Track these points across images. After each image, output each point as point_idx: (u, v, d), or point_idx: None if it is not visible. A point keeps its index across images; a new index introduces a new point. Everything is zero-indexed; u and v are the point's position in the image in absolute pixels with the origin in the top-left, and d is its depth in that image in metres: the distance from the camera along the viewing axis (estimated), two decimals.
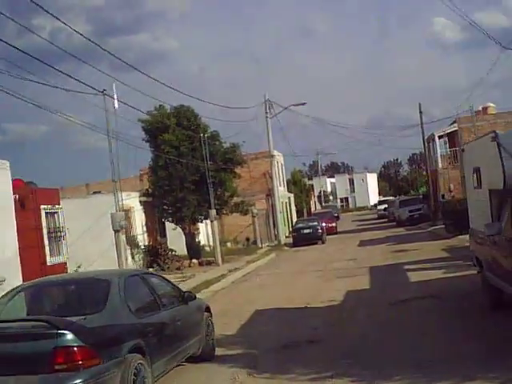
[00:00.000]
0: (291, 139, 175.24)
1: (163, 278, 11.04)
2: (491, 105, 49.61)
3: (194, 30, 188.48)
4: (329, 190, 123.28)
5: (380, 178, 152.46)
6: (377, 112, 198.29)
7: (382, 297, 16.09)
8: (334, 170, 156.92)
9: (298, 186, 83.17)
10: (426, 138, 48.56)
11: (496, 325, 11.03)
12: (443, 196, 45.36)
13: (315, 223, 43.69)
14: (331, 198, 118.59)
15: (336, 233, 52.81)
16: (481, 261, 12.50)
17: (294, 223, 49.24)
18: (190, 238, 34.39)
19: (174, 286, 10.91)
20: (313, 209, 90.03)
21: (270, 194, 49.36)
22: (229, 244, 44.41)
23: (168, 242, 35.09)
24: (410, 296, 15.48)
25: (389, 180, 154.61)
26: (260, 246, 42.65)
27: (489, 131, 11.31)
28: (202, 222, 35.32)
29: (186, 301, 10.46)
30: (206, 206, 32.64)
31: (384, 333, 11.91)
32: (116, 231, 20.18)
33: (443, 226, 35.79)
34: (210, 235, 35.68)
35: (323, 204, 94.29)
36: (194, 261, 32.77)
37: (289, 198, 63.55)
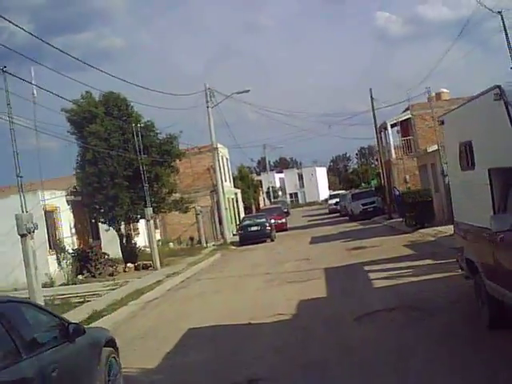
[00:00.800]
0: (238, 135, 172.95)
1: (38, 306, 7.83)
2: (445, 90, 47.39)
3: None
4: (278, 185, 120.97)
5: (329, 172, 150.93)
6: (327, 106, 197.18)
7: (342, 309, 13.05)
8: (282, 165, 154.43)
9: (246, 181, 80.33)
10: (378, 126, 45.94)
11: (500, 352, 8.14)
12: (395, 188, 43.05)
13: (263, 220, 40.72)
14: (280, 193, 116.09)
15: (286, 229, 49.88)
16: (475, 264, 9.48)
17: (240, 220, 45.99)
18: (125, 239, 31.07)
19: (55, 316, 7.67)
20: (261, 205, 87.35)
21: (214, 189, 46.18)
22: (171, 244, 41.20)
23: (102, 245, 31.79)
24: (378, 307, 12.52)
25: (338, 174, 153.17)
26: (205, 245, 39.49)
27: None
28: (137, 221, 32.06)
29: (72, 337, 7.27)
30: (141, 204, 29.40)
31: (350, 367, 8.85)
32: (22, 235, 16.67)
33: (401, 219, 33.23)
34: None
35: (272, 200, 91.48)
36: (130, 265, 29.52)
37: (235, 193, 60.45)
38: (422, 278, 15.12)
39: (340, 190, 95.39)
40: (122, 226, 31.02)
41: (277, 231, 44.56)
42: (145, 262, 29.56)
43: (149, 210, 28.68)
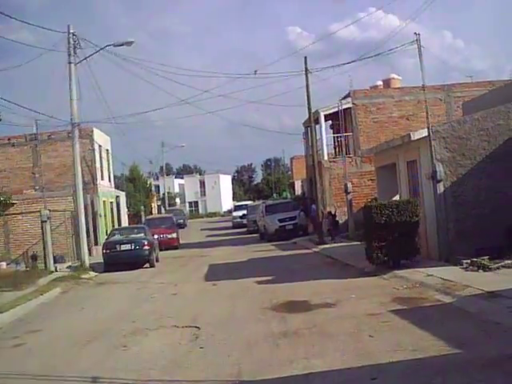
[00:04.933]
0: (135, 130, 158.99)
1: None
2: (396, 77, 36.38)
3: None
4: (177, 191, 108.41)
5: (234, 182, 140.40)
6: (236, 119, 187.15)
7: None
8: (186, 172, 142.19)
9: (138, 184, 67.90)
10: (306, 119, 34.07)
11: None
12: (313, 204, 32.24)
13: (141, 235, 28.16)
14: (178, 201, 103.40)
15: (177, 247, 37.82)
16: None
17: (108, 234, 32.77)
18: None
19: None
20: (155, 212, 74.65)
21: (85, 188, 33.16)
22: (4, 265, 27.84)
23: None
24: None
25: (243, 185, 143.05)
26: (53, 268, 26.38)
27: None
28: None
29: None
30: None
31: None
32: None
33: (331, 244, 21.49)
34: None
35: (167, 208, 78.57)
36: None
37: (117, 197, 47.45)
38: None
39: (247, 200, 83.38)
40: None
41: (165, 249, 34.78)
42: None
43: None
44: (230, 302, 15.20)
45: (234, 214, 60.52)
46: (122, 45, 26.97)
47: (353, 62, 28.19)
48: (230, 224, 61.42)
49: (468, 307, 11.21)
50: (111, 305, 17.04)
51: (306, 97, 30.80)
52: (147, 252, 27.09)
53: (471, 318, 10.54)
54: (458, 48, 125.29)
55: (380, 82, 36.60)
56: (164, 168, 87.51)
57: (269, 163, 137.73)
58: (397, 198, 20.57)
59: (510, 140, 17.16)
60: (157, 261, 28.63)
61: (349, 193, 29.07)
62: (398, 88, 34.64)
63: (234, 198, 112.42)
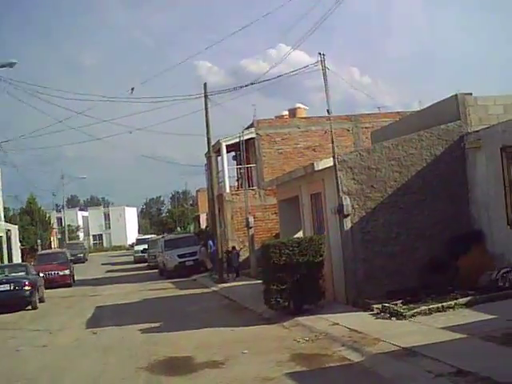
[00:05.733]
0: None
1: None
2: (302, 106, 34.92)
3: None
4: (80, 224, 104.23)
5: (142, 215, 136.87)
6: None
7: None
8: (94, 204, 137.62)
9: (37, 216, 64.46)
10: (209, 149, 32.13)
11: None
12: (211, 240, 30.53)
13: (22, 274, 25.36)
14: (81, 234, 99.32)
15: (70, 285, 34.96)
16: None
17: None
18: None
19: None
20: (55, 246, 70.99)
21: None
22: None
23: None
24: None
25: (151, 218, 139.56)
26: None
27: None
28: None
29: None
30: None
31: None
32: None
33: (260, 281, 19.41)
34: None
35: (67, 242, 74.71)
36: None
37: (8, 231, 44.01)
38: None
39: (152, 234, 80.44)
40: None
41: (57, 286, 32.67)
42: None
43: None
44: (103, 357, 12.78)
45: (136, 248, 57.55)
46: (3, 66, 24.27)
47: (251, 84, 25.75)
48: (132, 258, 58.50)
49: (380, 369, 9.24)
50: None
51: (205, 125, 28.77)
52: (28, 293, 24.19)
53: None
54: (366, 84, 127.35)
55: (286, 112, 35.12)
56: (64, 200, 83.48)
57: (177, 195, 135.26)
58: (300, 234, 18.66)
59: (423, 170, 15.61)
60: (42, 301, 25.83)
61: (251, 227, 27.08)
62: (304, 118, 33.17)
63: (140, 231, 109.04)
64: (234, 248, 29.39)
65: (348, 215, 15.17)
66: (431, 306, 12.70)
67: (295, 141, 31.94)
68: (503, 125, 14.52)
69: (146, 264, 47.02)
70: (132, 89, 26.54)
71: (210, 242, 31.25)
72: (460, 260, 14.76)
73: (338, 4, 17.76)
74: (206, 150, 31.00)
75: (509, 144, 14.16)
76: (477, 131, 15.51)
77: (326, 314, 14.27)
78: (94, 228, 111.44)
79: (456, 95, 16.12)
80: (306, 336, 12.51)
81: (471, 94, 16.28)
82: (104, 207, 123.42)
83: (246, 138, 31.97)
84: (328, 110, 16.19)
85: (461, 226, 15.58)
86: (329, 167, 15.71)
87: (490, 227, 15.16)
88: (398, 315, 12.61)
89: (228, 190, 32.34)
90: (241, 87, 27.00)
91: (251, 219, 27.37)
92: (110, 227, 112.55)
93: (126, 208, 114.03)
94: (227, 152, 33.72)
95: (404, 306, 13.12)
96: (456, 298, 12.96)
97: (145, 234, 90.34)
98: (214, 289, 25.46)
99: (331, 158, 15.69)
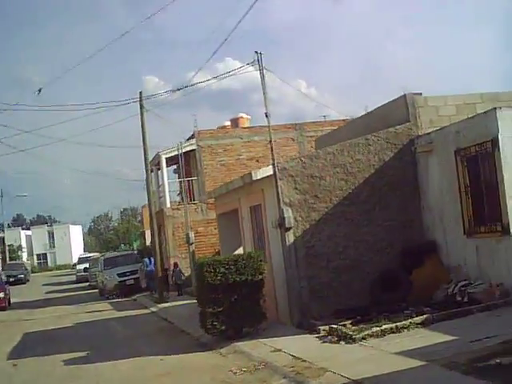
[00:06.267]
0: None
1: None
2: (244, 115, 33.60)
3: None
4: (23, 244, 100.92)
5: (90, 233, 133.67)
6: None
7: None
8: (41, 223, 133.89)
9: None
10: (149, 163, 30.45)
11: None
12: (149, 257, 29.48)
13: None
14: (24, 253, 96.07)
15: (5, 308, 32.64)
16: None
17: None
18: None
19: None
20: None
21: None
22: None
23: None
24: None
25: (99, 235, 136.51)
26: None
27: None
28: None
29: None
30: None
31: None
32: None
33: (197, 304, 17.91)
34: None
35: (7, 262, 71.84)
36: None
37: None
38: None
39: (96, 252, 78.12)
40: None
41: None
42: None
43: None
44: None
45: (78, 267, 55.38)
46: None
47: (185, 87, 24.32)
48: (74, 278, 56.35)
49: None
50: None
51: (141, 136, 27.17)
52: None
53: None
54: (314, 96, 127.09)
55: (228, 122, 33.75)
56: (2, 219, 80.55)
57: (126, 212, 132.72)
58: (241, 250, 17.21)
59: (371, 177, 14.36)
60: None
61: (191, 243, 25.52)
62: (247, 128, 31.81)
63: (86, 250, 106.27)
64: (176, 265, 27.86)
65: (290, 228, 13.77)
66: (384, 327, 11.32)
67: (238, 152, 30.49)
68: (456, 126, 13.35)
69: (88, 283, 45.07)
70: (39, 90, 24.70)
71: (146, 260, 29.67)
72: (413, 274, 13.64)
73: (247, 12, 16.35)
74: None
75: (463, 146, 13.00)
76: (428, 134, 14.37)
77: (268, 337, 12.83)
78: (38, 247, 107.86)
79: (405, 95, 14.96)
80: (243, 365, 11.05)
81: (421, 93, 15.16)
82: (49, 226, 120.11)
83: (186, 149, 30.36)
84: (266, 114, 14.81)
85: (413, 237, 14.42)
86: (268, 176, 14.30)
87: (444, 237, 13.97)
88: (347, 338, 11.22)
89: (169, 204, 30.68)
90: (172, 91, 25.88)
91: (191, 235, 25.82)
92: (54, 246, 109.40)
93: (70, 226, 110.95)
94: (169, 165, 32.21)
95: (354, 328, 11.76)
96: (411, 317, 11.62)
97: (90, 252, 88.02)
98: (152, 309, 23.85)
99: (271, 166, 14.31)
